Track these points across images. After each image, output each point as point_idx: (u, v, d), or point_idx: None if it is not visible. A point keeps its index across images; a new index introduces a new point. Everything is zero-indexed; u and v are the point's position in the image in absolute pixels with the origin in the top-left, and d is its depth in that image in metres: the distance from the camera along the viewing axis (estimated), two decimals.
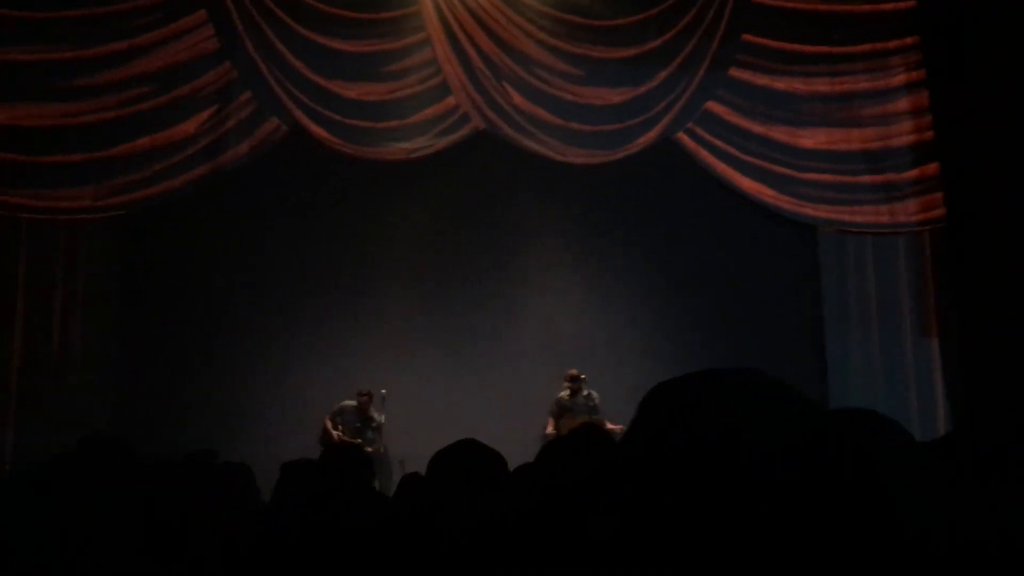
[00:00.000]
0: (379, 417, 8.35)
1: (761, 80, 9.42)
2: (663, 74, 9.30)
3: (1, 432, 7.91)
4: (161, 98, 8.65)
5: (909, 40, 9.56)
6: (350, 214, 8.89)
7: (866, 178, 9.52)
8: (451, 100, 9.14)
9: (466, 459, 1.95)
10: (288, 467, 3.99)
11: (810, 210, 9.40)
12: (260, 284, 8.68)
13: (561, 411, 8.48)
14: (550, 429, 8.34)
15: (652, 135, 9.28)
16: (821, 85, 9.51)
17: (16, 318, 8.15)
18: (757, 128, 9.37)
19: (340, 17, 8.92)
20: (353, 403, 8.35)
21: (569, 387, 8.47)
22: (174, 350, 8.44)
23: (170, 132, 8.63)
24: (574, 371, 8.49)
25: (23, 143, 8.30)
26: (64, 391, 8.12)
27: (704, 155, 9.35)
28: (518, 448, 3.80)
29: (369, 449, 7.69)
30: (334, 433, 8.26)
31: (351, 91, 8.98)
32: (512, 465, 2.16)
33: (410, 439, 7.92)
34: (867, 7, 9.58)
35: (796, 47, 9.44)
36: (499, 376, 8.70)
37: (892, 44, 9.60)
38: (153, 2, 8.70)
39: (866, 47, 9.58)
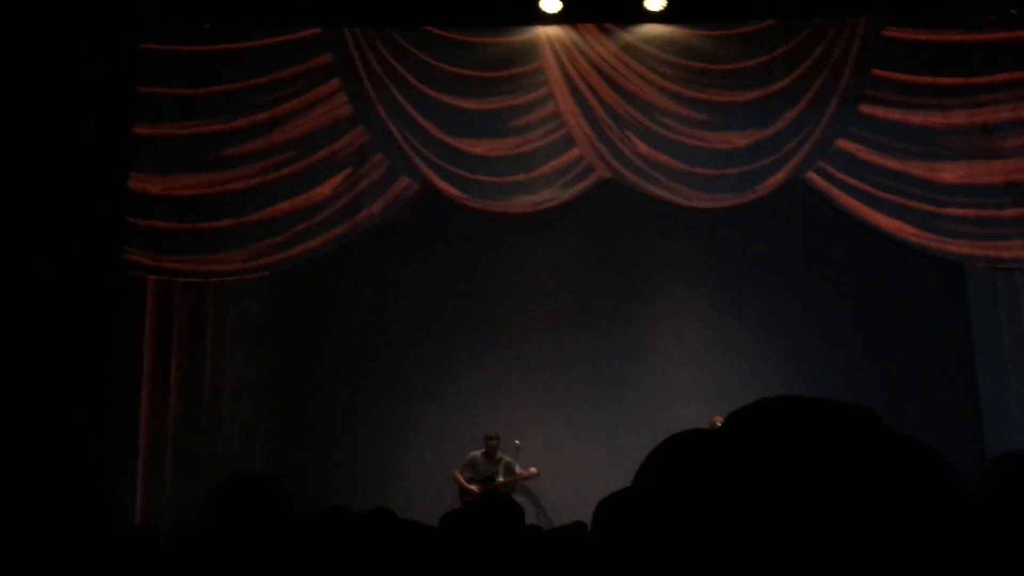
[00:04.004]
0: (507, 457, 8.35)
1: (895, 115, 9.12)
2: (790, 114, 9.14)
3: (158, 481, 8.32)
4: (300, 163, 9.06)
5: None
6: (482, 266, 9.05)
7: (1012, 212, 9.04)
8: (575, 152, 9.23)
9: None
10: (448, 518, 4.03)
11: (954, 247, 8.98)
12: (397, 337, 8.91)
13: None
14: None
15: (781, 176, 9.11)
16: (959, 117, 9.13)
17: (171, 376, 8.60)
18: (893, 164, 9.06)
19: (465, 77, 9.19)
20: (481, 451, 8.39)
21: None
22: (318, 398, 8.74)
23: (309, 195, 9.01)
24: (719, 419, 8.31)
25: (177, 211, 8.83)
26: (217, 443, 8.49)
27: (837, 194, 9.10)
28: None
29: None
30: (470, 487, 8.28)
31: (478, 148, 9.20)
32: None
33: (546, 487, 7.90)
34: (1004, 35, 9.19)
35: (929, 79, 9.12)
36: (632, 423, 8.58)
37: None
38: (291, 74, 9.18)
39: (1006, 76, 9.16)
